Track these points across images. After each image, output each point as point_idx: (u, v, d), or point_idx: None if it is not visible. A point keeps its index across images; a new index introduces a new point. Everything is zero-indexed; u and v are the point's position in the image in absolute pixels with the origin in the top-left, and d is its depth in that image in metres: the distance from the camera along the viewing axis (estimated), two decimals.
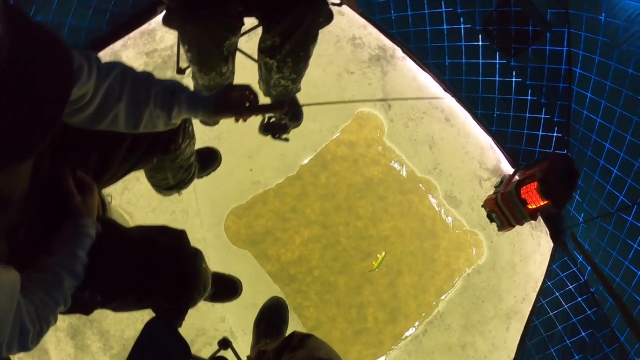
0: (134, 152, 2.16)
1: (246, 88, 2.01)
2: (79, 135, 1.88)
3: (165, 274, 2.19)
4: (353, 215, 4.21)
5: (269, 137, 2.72)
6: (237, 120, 2.03)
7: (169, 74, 3.78)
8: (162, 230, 2.42)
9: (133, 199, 3.70)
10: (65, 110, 1.13)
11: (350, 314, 4.10)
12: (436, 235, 4.32)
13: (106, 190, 3.11)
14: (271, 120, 2.32)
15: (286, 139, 2.54)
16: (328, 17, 2.97)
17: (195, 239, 3.67)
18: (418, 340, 4.11)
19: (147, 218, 3.70)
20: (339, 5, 4.00)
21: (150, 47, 3.81)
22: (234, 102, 1.94)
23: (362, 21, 4.22)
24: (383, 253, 4.17)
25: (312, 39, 2.89)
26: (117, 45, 3.74)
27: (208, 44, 2.75)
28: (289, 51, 2.85)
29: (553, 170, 3.36)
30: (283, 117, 2.34)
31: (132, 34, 3.70)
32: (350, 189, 4.24)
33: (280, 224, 4.11)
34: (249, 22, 2.99)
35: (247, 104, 2.01)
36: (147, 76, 1.84)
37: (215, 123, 3.24)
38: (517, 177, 3.70)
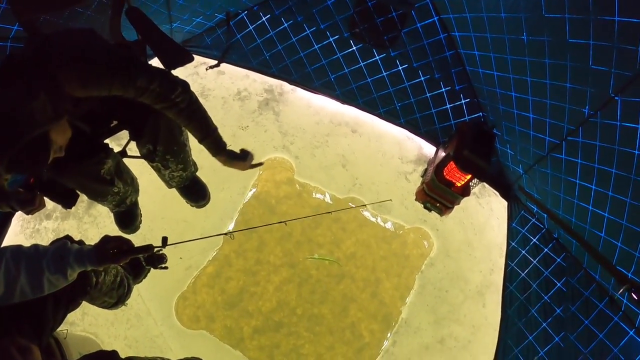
0: (59, 306, 2.07)
1: (119, 239, 1.94)
2: (8, 311, 1.84)
3: None
4: (315, 246, 3.60)
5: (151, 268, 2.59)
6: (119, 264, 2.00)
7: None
8: (98, 355, 2.29)
9: (93, 320, 3.20)
10: None
11: (345, 336, 3.48)
12: (403, 234, 3.69)
13: (69, 318, 2.87)
14: (156, 251, 2.13)
15: (165, 267, 2.45)
16: None
17: (154, 336, 3.25)
18: (390, 354, 3.45)
19: (109, 332, 3.19)
20: (217, 66, 3.42)
21: None
22: (111, 253, 1.90)
23: (243, 72, 3.66)
24: (315, 255, 3.55)
25: (177, 133, 2.55)
26: None
27: (87, 182, 2.50)
28: (163, 151, 2.56)
29: (463, 144, 2.72)
30: (158, 250, 2.15)
31: None
32: (304, 222, 3.63)
33: (251, 279, 3.52)
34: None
35: (123, 250, 1.94)
36: (35, 249, 1.82)
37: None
38: (442, 154, 3.03)
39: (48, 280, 1.80)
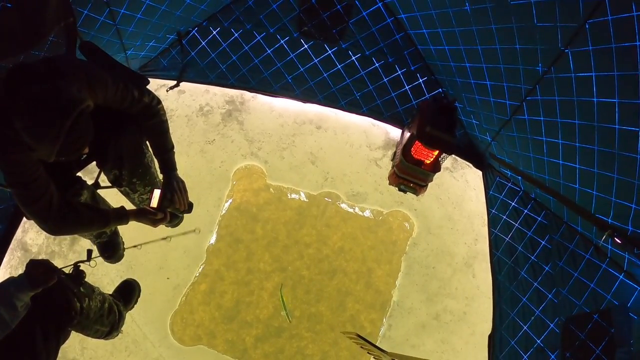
0: (48, 337, 2.07)
1: (41, 262, 1.99)
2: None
3: None
4: (302, 246, 3.52)
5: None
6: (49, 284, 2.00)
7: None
8: None
9: (93, 354, 3.12)
10: None
11: (346, 330, 3.41)
12: (385, 220, 3.59)
13: (68, 355, 3.08)
14: (79, 267, 2.26)
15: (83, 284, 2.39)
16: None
17: (154, 359, 3.18)
18: (387, 337, 3.39)
19: None
20: (177, 85, 3.35)
21: None
22: (38, 277, 1.95)
23: (203, 87, 3.58)
24: (283, 313, 3.41)
25: (140, 155, 2.46)
26: (19, 233, 3.24)
27: None
28: (129, 175, 2.47)
29: (424, 121, 2.65)
30: (78, 266, 2.25)
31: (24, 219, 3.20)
32: (288, 225, 3.54)
33: (245, 289, 3.44)
34: None
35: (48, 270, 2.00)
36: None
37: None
38: (407, 135, 2.96)
39: (16, 298, 1.89)
